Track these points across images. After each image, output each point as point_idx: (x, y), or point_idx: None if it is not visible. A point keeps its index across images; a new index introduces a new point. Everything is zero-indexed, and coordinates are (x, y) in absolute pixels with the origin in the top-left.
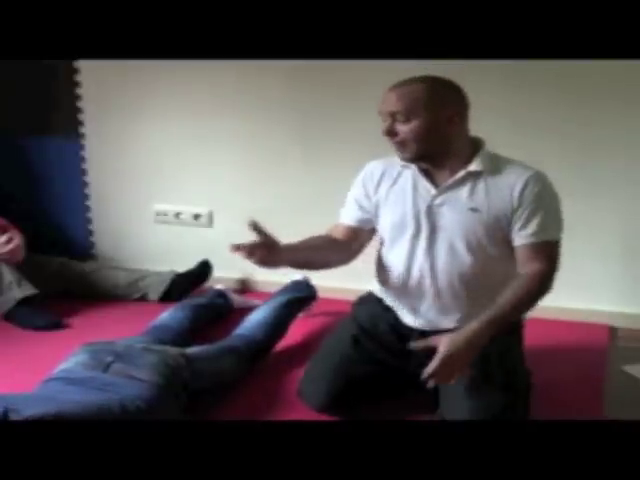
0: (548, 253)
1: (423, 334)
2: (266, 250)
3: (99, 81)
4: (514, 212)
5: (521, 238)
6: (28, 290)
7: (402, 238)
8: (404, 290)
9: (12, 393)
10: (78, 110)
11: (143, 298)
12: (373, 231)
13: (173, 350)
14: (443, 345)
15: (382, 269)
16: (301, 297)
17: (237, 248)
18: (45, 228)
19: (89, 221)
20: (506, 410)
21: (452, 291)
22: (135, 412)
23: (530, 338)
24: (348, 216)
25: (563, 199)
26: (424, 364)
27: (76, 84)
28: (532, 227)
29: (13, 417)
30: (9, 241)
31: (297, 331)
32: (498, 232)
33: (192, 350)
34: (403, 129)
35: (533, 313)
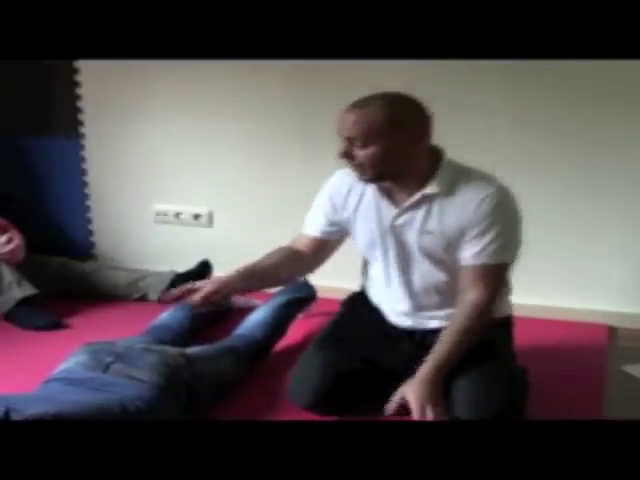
0: (490, 278)
1: (411, 333)
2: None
3: (99, 81)
4: (466, 232)
5: (465, 260)
6: (28, 290)
7: (375, 254)
8: (387, 297)
9: (13, 393)
10: (78, 110)
11: (143, 298)
12: (341, 239)
13: (173, 350)
14: (412, 400)
15: (365, 275)
16: (301, 297)
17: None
18: (45, 228)
19: (89, 221)
20: (504, 407)
21: (431, 300)
22: (135, 412)
23: (530, 338)
24: (314, 227)
25: (563, 199)
26: (412, 363)
27: (76, 84)
28: (477, 249)
29: (14, 417)
30: (9, 241)
31: (297, 331)
32: (455, 250)
33: (192, 350)
34: (360, 154)
35: (533, 313)
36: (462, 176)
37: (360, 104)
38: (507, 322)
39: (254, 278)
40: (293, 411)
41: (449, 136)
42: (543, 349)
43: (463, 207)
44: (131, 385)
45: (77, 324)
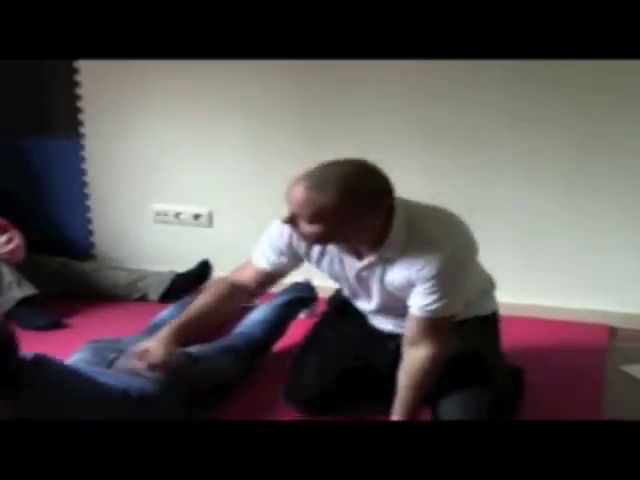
0: (435, 331)
1: (390, 335)
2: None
3: (99, 81)
4: (415, 285)
5: (412, 309)
6: (28, 290)
7: (343, 288)
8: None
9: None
10: (78, 110)
11: (143, 298)
12: (291, 268)
13: None
14: None
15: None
16: (302, 297)
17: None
18: (45, 228)
19: (89, 221)
20: (486, 406)
21: (400, 317)
22: (137, 400)
23: (530, 338)
24: (265, 260)
25: (563, 197)
26: (395, 364)
27: (76, 84)
28: (423, 303)
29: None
30: (9, 241)
31: (298, 331)
32: (409, 294)
33: (194, 349)
34: (305, 227)
35: (533, 313)
36: (415, 233)
37: (313, 181)
38: (492, 319)
39: (190, 333)
40: (293, 411)
41: (449, 133)
42: (543, 349)
43: (410, 268)
44: (135, 379)
45: (77, 324)
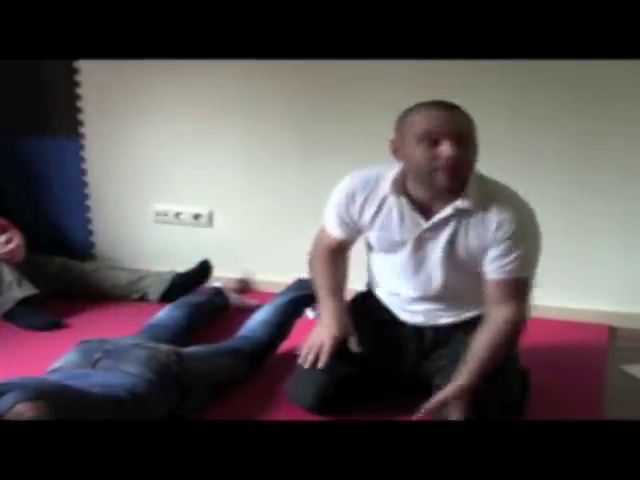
0: (517, 293)
1: (420, 331)
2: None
3: (99, 81)
4: (489, 248)
5: (491, 273)
6: (28, 290)
7: (389, 260)
8: (396, 298)
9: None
10: (78, 110)
11: (143, 298)
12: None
13: (165, 347)
14: (457, 411)
15: (373, 276)
16: (304, 295)
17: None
18: (45, 228)
19: (89, 221)
20: (499, 407)
21: (444, 300)
22: (129, 399)
23: (530, 338)
24: (335, 230)
25: (563, 199)
26: (420, 361)
27: (76, 84)
28: (502, 263)
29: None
30: (9, 241)
31: (299, 331)
32: (476, 262)
33: (187, 349)
34: (449, 151)
35: (533, 313)
36: (488, 192)
37: (446, 105)
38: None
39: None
40: (293, 411)
41: None
42: (543, 349)
43: (486, 226)
44: (115, 376)
45: (77, 324)
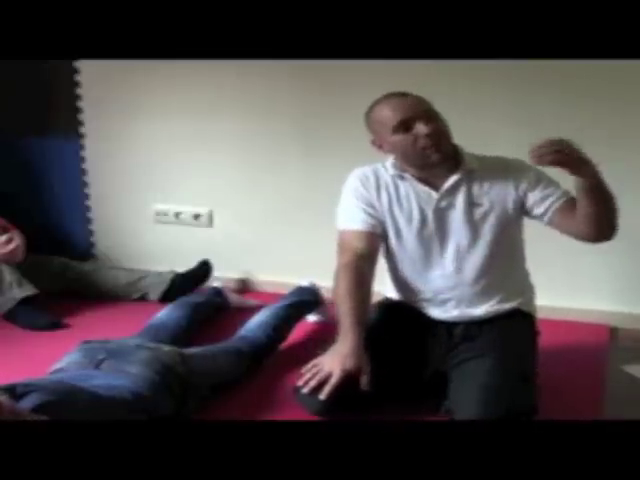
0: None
1: (452, 326)
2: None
3: (99, 81)
4: (527, 194)
5: (553, 205)
6: (28, 290)
7: (412, 246)
8: (426, 294)
9: None
10: (78, 110)
11: (143, 298)
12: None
13: (167, 348)
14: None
15: (396, 277)
16: (305, 301)
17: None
18: (45, 228)
19: (89, 221)
20: (509, 409)
21: (475, 286)
22: (132, 399)
23: None
24: (357, 223)
25: None
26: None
27: (76, 84)
28: (551, 193)
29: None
30: (9, 241)
31: (299, 333)
32: (503, 220)
33: (190, 350)
34: (423, 128)
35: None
36: (482, 158)
37: (400, 94)
38: (531, 321)
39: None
40: (294, 411)
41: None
42: (543, 349)
43: (505, 179)
44: (119, 377)
45: (77, 324)
